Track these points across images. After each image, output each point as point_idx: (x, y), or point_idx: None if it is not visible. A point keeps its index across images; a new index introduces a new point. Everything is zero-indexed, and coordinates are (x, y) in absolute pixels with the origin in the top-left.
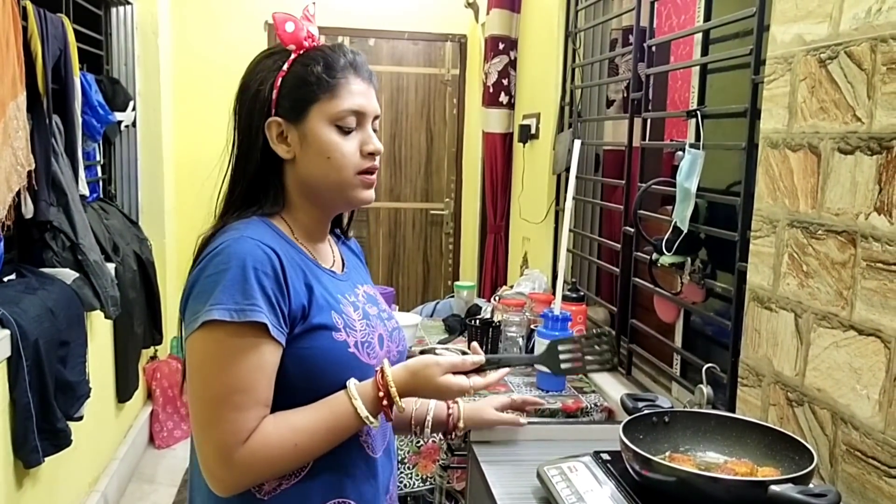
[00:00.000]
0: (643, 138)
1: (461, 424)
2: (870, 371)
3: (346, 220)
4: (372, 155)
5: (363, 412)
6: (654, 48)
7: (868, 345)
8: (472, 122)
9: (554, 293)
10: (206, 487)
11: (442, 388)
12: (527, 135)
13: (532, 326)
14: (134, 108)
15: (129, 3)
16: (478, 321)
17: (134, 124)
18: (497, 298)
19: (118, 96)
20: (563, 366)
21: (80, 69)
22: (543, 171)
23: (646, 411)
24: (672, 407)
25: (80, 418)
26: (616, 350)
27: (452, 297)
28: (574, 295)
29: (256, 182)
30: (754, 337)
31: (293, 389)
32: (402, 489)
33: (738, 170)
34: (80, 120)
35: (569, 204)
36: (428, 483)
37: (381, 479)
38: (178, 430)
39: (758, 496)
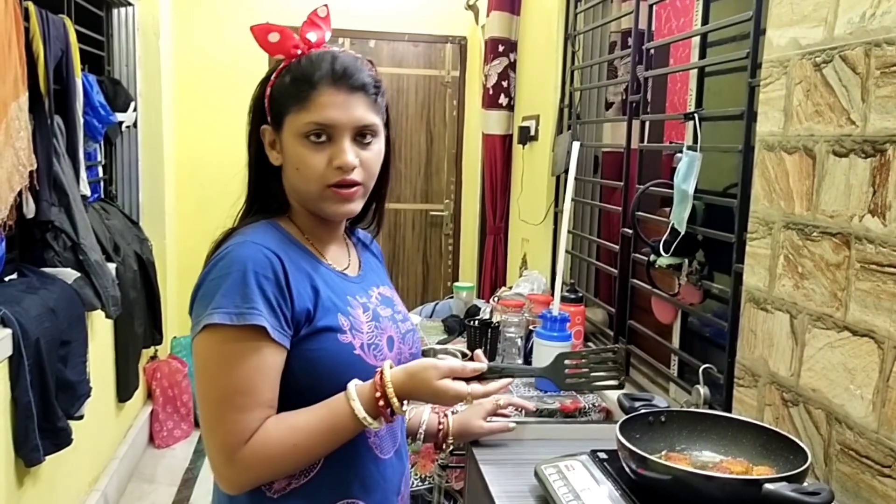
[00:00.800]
0: (641, 140)
1: (450, 440)
2: (863, 371)
3: (369, 223)
4: (341, 169)
5: (360, 413)
6: (652, 51)
7: (862, 345)
8: (472, 124)
9: (553, 294)
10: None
11: (439, 392)
12: (526, 136)
13: (531, 327)
14: (135, 109)
15: (130, 4)
16: (477, 322)
17: (135, 125)
18: (496, 299)
19: (119, 97)
20: (567, 381)
21: (82, 70)
22: (542, 172)
23: (642, 411)
24: (669, 407)
25: (81, 417)
26: (625, 368)
27: (451, 297)
28: (573, 296)
29: (260, 185)
30: (750, 338)
31: (299, 391)
32: None
33: (734, 172)
34: (81, 120)
35: (567, 205)
36: (427, 482)
37: (391, 480)
38: (177, 430)
39: (752, 494)
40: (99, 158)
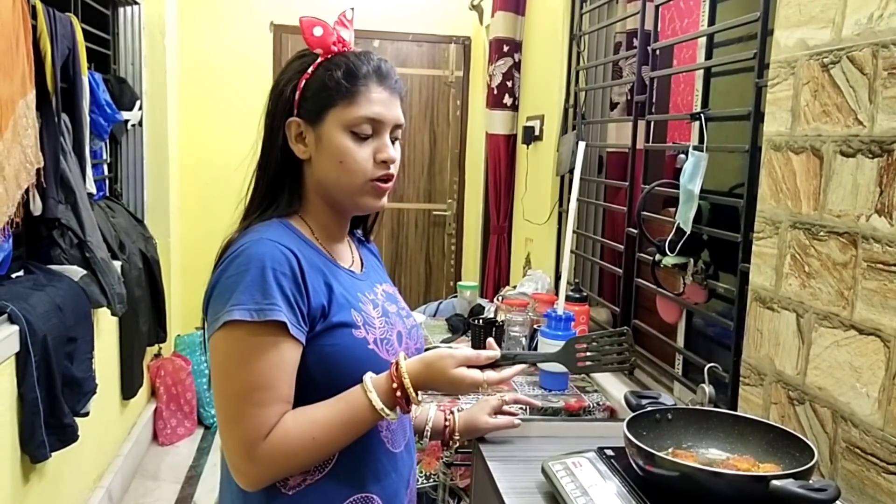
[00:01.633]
0: (646, 140)
1: (456, 436)
2: (870, 370)
3: (369, 224)
4: (385, 163)
5: (378, 404)
6: (657, 51)
7: (868, 344)
8: (476, 124)
9: (557, 293)
10: (234, 483)
11: (455, 380)
12: (531, 136)
13: (535, 326)
14: (140, 108)
15: (136, 3)
16: (481, 320)
17: (140, 123)
18: (500, 298)
19: (125, 95)
20: (579, 364)
21: (88, 68)
22: (547, 172)
23: (649, 408)
24: (675, 404)
25: (87, 414)
26: (633, 349)
27: (455, 297)
28: (577, 295)
29: (276, 181)
30: (756, 337)
31: (315, 386)
32: None
33: (740, 172)
34: (87, 118)
35: (572, 205)
36: (431, 480)
37: (401, 473)
38: (181, 428)
39: (759, 491)
40: (104, 157)
